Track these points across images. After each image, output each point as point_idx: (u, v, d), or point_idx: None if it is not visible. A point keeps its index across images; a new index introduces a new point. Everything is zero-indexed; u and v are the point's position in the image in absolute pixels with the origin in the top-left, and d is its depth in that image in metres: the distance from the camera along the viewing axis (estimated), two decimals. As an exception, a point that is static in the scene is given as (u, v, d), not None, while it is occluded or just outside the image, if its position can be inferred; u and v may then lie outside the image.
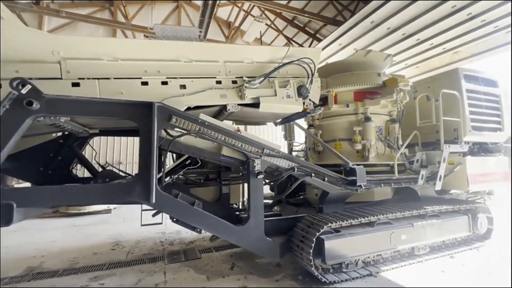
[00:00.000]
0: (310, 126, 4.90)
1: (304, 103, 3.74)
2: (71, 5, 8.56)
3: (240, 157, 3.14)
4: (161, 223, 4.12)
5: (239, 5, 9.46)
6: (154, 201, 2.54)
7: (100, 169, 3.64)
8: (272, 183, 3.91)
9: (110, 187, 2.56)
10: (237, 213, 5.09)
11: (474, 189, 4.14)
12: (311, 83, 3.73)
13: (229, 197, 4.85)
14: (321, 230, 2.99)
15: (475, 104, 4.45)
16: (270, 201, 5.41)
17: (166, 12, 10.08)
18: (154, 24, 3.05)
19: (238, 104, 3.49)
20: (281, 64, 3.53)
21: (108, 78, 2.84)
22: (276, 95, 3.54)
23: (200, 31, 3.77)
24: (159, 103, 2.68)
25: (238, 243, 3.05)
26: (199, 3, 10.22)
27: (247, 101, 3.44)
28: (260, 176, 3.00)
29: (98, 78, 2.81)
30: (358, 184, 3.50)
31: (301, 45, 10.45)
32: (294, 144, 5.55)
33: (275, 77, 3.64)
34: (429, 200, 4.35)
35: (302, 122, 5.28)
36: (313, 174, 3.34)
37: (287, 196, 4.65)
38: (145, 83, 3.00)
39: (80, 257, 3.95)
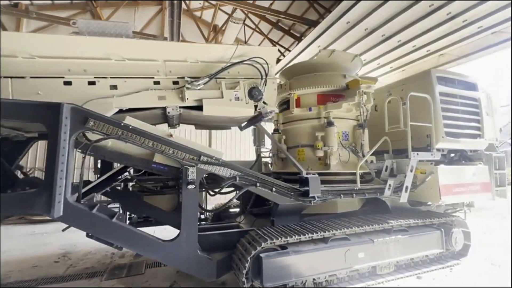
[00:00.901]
0: (275, 131, 4.60)
1: (257, 106, 3.47)
2: (51, 8, 8.49)
3: (175, 165, 2.85)
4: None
5: (223, 7, 9.30)
6: (59, 213, 2.26)
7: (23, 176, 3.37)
8: (214, 194, 3.59)
9: (8, 197, 2.29)
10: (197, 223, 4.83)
11: (447, 201, 3.77)
12: (265, 85, 3.45)
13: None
14: (258, 248, 2.67)
15: (450, 108, 4.11)
16: (237, 210, 5.13)
17: (150, 15, 9.97)
18: (78, 19, 2.81)
19: (183, 107, 3.25)
20: (228, 65, 3.26)
21: (23, 77, 2.60)
22: (222, 97, 3.27)
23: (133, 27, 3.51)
24: (72, 105, 2.41)
25: (166, 262, 2.75)
26: (184, 5, 10.09)
27: (188, 103, 3.18)
28: (192, 186, 2.70)
29: (11, 77, 2.57)
30: (311, 195, 3.17)
31: (287, 49, 10.22)
32: (263, 150, 5.25)
33: (224, 77, 3.37)
34: (400, 213, 3.99)
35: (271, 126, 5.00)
36: (258, 184, 3.03)
37: (253, 206, 4.34)
38: (68, 83, 2.75)
39: (15, 270, 3.66)
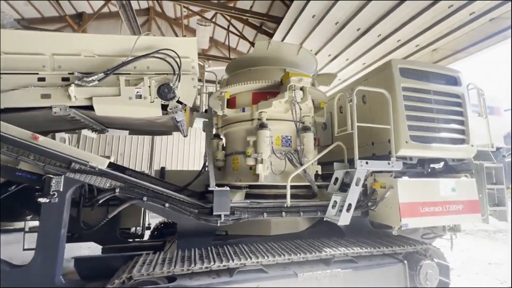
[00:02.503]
0: (215, 136, 4.04)
1: (168, 105, 2.97)
2: (41, 22, 8.84)
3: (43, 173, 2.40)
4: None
5: (205, 14, 9.12)
6: None
7: None
8: (93, 207, 3.00)
9: None
10: (131, 240, 4.32)
11: (411, 225, 2.91)
12: (178, 81, 2.95)
13: (119, 221, 4.12)
14: (123, 279, 2.08)
15: (420, 106, 3.31)
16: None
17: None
18: None
19: (77, 107, 2.84)
20: (130, 59, 2.82)
21: None
22: (120, 95, 2.81)
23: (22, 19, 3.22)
24: None
25: (11, 293, 2.23)
26: (171, 13, 10.12)
27: (78, 102, 2.75)
28: (46, 200, 2.21)
29: None
30: (215, 213, 2.54)
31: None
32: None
33: (129, 73, 2.93)
34: (356, 236, 3.19)
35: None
36: (145, 198, 2.47)
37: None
38: None
39: None
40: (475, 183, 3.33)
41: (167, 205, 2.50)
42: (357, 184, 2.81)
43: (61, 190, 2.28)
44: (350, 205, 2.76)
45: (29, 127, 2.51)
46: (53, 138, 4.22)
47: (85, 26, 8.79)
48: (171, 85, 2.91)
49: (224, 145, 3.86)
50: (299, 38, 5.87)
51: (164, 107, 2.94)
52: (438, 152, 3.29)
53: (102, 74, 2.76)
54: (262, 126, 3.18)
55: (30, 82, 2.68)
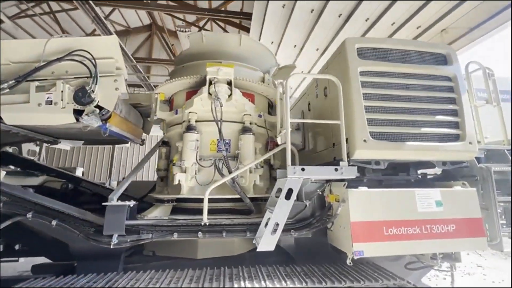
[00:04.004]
0: (163, 143, 3.67)
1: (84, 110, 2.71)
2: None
3: None
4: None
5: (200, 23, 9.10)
6: None
7: None
8: None
9: None
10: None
11: (368, 253, 2.14)
12: (95, 84, 2.69)
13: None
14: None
15: (388, 95, 2.56)
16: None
17: (140, 40, 10.52)
18: None
19: None
20: (42, 64, 2.66)
21: None
22: (29, 102, 2.63)
23: None
24: None
25: None
26: (171, 26, 10.35)
27: (-8, 113, 2.63)
28: None
29: None
30: (104, 233, 2.13)
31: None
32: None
33: (45, 79, 2.76)
34: (310, 261, 2.51)
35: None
36: (29, 214, 2.17)
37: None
38: None
39: None
40: (476, 193, 2.41)
41: (53, 222, 2.17)
42: (287, 198, 2.17)
43: None
44: (277, 224, 2.13)
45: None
46: (20, 150, 4.29)
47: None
48: (86, 88, 2.67)
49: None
50: (275, 33, 5.34)
51: (80, 113, 2.70)
52: (418, 153, 2.47)
53: (13, 81, 2.63)
54: (188, 128, 2.73)
55: None
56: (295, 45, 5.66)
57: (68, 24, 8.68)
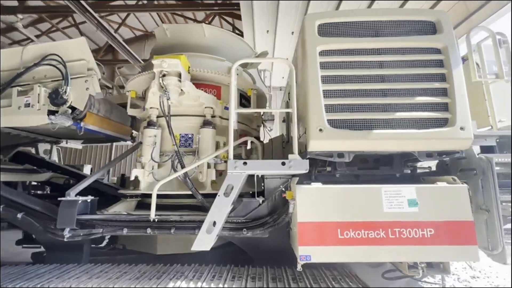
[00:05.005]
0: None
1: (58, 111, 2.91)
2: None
3: None
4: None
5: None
6: None
7: None
8: None
9: None
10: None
11: (316, 257, 1.86)
12: (66, 85, 2.86)
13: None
14: None
15: (355, 76, 2.19)
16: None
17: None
18: None
19: None
20: (22, 70, 2.92)
21: None
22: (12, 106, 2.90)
23: None
24: None
25: None
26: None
27: (-15, 118, 2.96)
28: None
29: None
30: (58, 226, 2.24)
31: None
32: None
33: (28, 83, 3.03)
34: (268, 263, 2.32)
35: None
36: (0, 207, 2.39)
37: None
38: None
39: None
40: (466, 191, 1.94)
41: (19, 215, 2.36)
42: (226, 194, 2.00)
43: None
44: (214, 222, 1.99)
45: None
46: (37, 150, 4.82)
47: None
48: (59, 90, 2.85)
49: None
50: (269, 22, 5.04)
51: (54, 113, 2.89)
52: (392, 142, 2.08)
53: (-1, 87, 2.92)
54: (148, 124, 2.73)
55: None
56: (293, 32, 5.30)
57: (92, 35, 9.51)
